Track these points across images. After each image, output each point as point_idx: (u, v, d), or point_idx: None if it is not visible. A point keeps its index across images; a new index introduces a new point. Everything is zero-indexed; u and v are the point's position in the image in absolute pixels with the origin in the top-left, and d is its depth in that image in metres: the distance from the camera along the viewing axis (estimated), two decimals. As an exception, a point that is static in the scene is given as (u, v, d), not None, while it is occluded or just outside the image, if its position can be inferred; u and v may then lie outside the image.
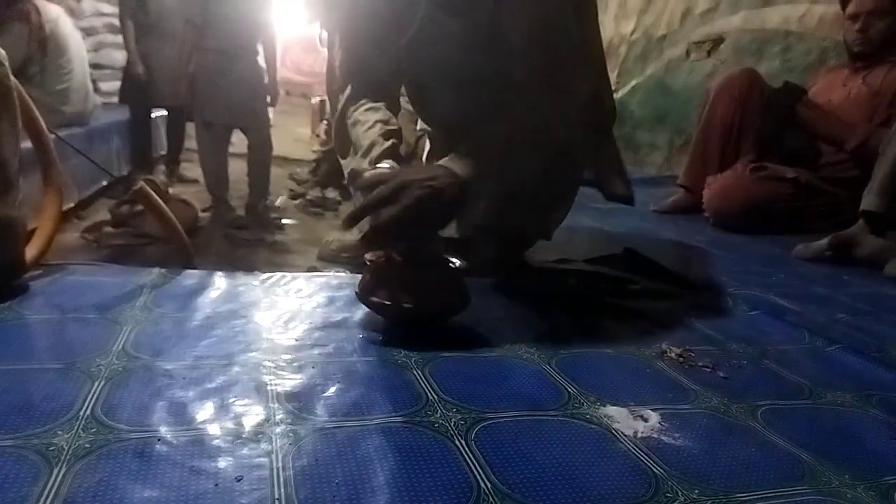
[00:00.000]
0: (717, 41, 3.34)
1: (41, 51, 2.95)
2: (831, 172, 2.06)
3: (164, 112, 4.39)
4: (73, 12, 4.40)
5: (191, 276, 1.09)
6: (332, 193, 3.96)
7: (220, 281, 1.08)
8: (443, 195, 0.89)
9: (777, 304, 1.19)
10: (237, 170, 3.62)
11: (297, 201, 3.92)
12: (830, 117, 2.08)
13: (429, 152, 1.43)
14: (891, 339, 1.04)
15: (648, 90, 3.82)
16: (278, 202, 3.88)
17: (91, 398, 0.67)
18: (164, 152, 4.61)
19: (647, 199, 2.45)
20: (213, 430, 0.64)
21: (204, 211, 3.37)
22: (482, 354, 0.88)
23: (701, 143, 2.35)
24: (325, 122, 4.82)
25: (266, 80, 3.49)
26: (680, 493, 0.59)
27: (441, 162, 0.95)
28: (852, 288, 1.40)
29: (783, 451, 0.69)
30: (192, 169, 4.55)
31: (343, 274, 1.21)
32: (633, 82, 3.94)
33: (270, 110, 3.71)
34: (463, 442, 0.65)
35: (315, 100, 6.32)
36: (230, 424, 0.65)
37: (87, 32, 4.61)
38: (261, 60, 3.46)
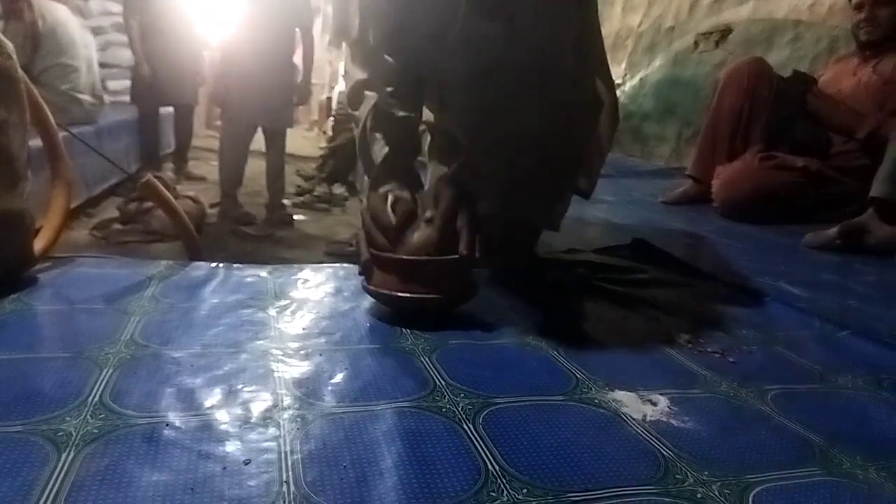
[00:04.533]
0: (726, 32, 3.31)
1: (34, 47, 2.95)
2: (841, 161, 2.04)
3: (172, 110, 4.41)
4: (80, 12, 4.42)
5: (199, 268, 1.09)
6: (338, 189, 3.97)
7: (227, 272, 1.08)
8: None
9: (787, 292, 1.18)
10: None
11: (304, 197, 3.93)
12: (840, 106, 2.06)
13: (429, 146, 1.43)
14: (902, 324, 1.04)
15: (657, 82, 3.80)
16: (286, 199, 3.89)
17: (99, 385, 0.67)
18: (171, 150, 4.63)
19: (655, 191, 2.44)
20: (221, 415, 0.64)
21: (211, 207, 3.38)
22: (490, 342, 0.88)
23: (709, 134, 2.34)
24: (331, 118, 4.83)
25: (299, 79, 3.48)
26: (689, 475, 0.59)
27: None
28: (862, 275, 1.39)
29: (794, 434, 0.68)
30: (199, 167, 4.58)
31: (350, 266, 1.20)
32: (641, 74, 3.92)
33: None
34: (471, 426, 0.64)
35: (322, 97, 6.33)
36: (238, 410, 0.65)
37: (95, 32, 4.62)
38: (297, 59, 3.45)
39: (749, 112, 2.22)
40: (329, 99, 5.41)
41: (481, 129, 1.05)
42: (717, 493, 0.56)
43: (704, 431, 0.67)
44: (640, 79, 3.90)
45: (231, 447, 0.58)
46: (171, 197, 1.23)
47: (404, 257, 0.92)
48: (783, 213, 1.98)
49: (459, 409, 0.68)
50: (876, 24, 2.05)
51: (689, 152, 2.82)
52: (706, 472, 0.59)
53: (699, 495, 0.56)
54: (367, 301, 0.98)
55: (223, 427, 0.62)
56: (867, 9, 2.05)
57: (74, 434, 0.59)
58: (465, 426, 0.64)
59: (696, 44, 3.55)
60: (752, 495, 0.56)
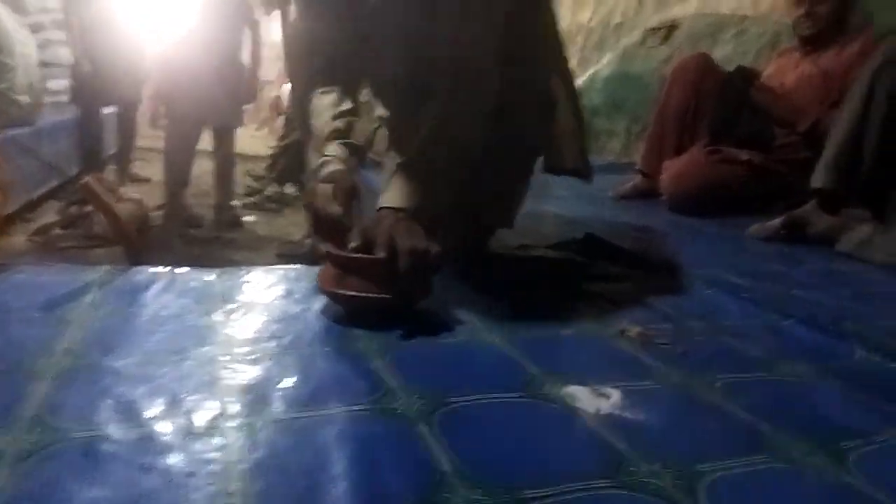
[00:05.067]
0: (672, 27, 3.38)
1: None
2: (784, 154, 2.09)
3: (114, 109, 4.27)
4: (17, 8, 4.24)
5: (141, 273, 1.05)
6: (289, 189, 3.90)
7: (171, 276, 1.04)
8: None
9: (733, 283, 1.21)
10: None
11: (254, 198, 3.86)
12: (783, 100, 2.12)
13: (388, 141, 1.42)
14: (843, 312, 1.07)
15: (606, 78, 3.85)
16: (235, 200, 3.81)
17: (34, 398, 0.64)
18: (114, 151, 4.49)
19: (607, 186, 2.47)
20: (164, 426, 0.61)
21: (157, 209, 3.28)
22: (444, 340, 0.87)
23: (657, 129, 2.38)
24: (281, 116, 4.75)
25: (246, 76, 3.41)
26: (642, 467, 0.59)
27: (383, 200, 0.96)
28: (806, 265, 1.43)
29: (743, 423, 0.69)
30: (144, 167, 4.45)
31: (302, 267, 1.18)
32: (591, 70, 3.97)
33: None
34: (426, 427, 0.63)
35: (271, 94, 6.23)
36: (181, 420, 0.62)
37: (34, 29, 4.44)
38: (243, 56, 3.38)
39: (695, 107, 2.27)
40: (278, 97, 5.32)
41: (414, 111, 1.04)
42: (670, 485, 0.57)
43: (656, 423, 0.68)
44: (590, 75, 3.95)
45: (174, 459, 0.56)
46: (109, 200, 1.18)
47: (359, 256, 0.90)
48: (730, 205, 2.02)
49: (414, 410, 0.67)
50: (815, 19, 2.11)
51: (638, 147, 2.87)
52: (659, 464, 0.60)
53: (652, 487, 0.56)
54: (319, 303, 0.96)
55: (165, 439, 0.59)
56: (806, 4, 2.11)
57: (7, 450, 0.56)
58: (419, 428, 0.63)
59: (643, 40, 3.61)
60: (704, 485, 0.57)
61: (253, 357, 0.78)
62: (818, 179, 1.64)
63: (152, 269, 1.07)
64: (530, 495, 0.54)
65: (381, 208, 0.96)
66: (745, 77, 2.18)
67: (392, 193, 0.97)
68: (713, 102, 2.22)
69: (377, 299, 0.88)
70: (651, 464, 0.60)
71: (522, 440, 0.63)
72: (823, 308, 1.08)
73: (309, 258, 1.56)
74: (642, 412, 0.70)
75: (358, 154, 1.11)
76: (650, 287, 1.16)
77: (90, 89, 3.89)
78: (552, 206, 1.96)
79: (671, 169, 2.17)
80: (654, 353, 0.86)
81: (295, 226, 3.37)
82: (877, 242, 1.47)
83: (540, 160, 1.28)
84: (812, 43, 2.16)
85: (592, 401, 0.71)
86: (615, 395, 0.73)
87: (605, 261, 1.30)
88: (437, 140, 1.00)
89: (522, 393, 0.73)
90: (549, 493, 0.54)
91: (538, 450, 0.61)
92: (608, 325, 0.95)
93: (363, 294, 0.88)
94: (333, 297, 0.92)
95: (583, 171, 1.28)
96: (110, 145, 4.49)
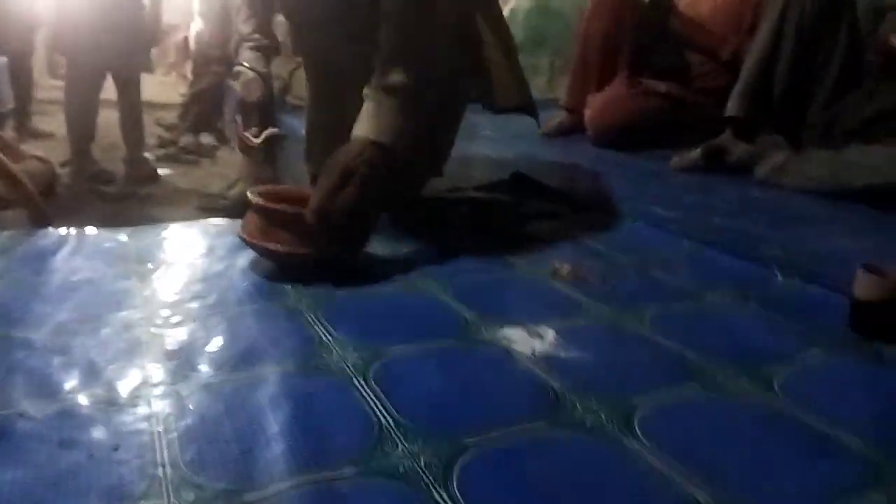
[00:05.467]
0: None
1: None
2: (701, 84, 2.13)
3: (5, 60, 3.94)
4: None
5: (47, 236, 0.99)
6: (206, 139, 3.72)
7: (81, 238, 0.98)
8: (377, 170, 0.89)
9: (657, 215, 1.23)
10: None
11: (168, 149, 3.67)
12: (701, 29, 2.14)
13: (307, 85, 1.37)
14: (762, 238, 1.11)
15: (527, 12, 3.80)
16: (147, 152, 3.61)
17: (-67, 381, 0.59)
18: (11, 106, 4.16)
19: (532, 123, 2.46)
20: (83, 399, 0.58)
21: (62, 166, 3.08)
22: (377, 290, 0.85)
23: (580, 63, 2.37)
24: (190, 61, 4.50)
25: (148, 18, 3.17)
26: (578, 405, 0.60)
27: (355, 132, 0.93)
28: (725, 194, 1.47)
29: (672, 353, 0.71)
30: (45, 122, 4.15)
31: (223, 221, 1.13)
32: (511, 5, 3.90)
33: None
34: (362, 381, 0.62)
35: (178, 37, 5.87)
36: (102, 391, 0.59)
37: None
38: None
39: (616, 39, 2.26)
40: (186, 39, 5.02)
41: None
42: (605, 420, 0.58)
43: (589, 360, 0.69)
44: (511, 10, 3.89)
45: (97, 433, 0.53)
46: (5, 160, 1.09)
47: (282, 208, 0.86)
48: (651, 137, 2.05)
49: (349, 364, 0.65)
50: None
51: (562, 83, 2.86)
52: (593, 398, 0.61)
53: (588, 424, 0.57)
54: (245, 258, 0.92)
55: (86, 412, 0.56)
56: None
57: None
58: (355, 382, 0.62)
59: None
60: (637, 418, 0.58)
61: (175, 320, 0.74)
62: (732, 108, 1.67)
63: (60, 232, 1.00)
64: (470, 442, 0.54)
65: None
66: (662, 6, 2.18)
67: (362, 123, 0.93)
68: (632, 34, 2.22)
69: (301, 255, 0.85)
70: (586, 401, 0.61)
71: (460, 387, 0.63)
72: (743, 235, 1.12)
73: (233, 210, 1.50)
74: (576, 350, 0.71)
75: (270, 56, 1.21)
76: (578, 224, 1.17)
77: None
78: (480, 146, 1.94)
79: (593, 104, 2.17)
80: (585, 290, 0.87)
81: (215, 177, 3.24)
82: (790, 168, 1.53)
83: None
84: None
85: (528, 342, 0.72)
86: (549, 334, 0.74)
87: (533, 199, 1.30)
88: (398, 63, 0.96)
89: (458, 339, 0.72)
90: (488, 437, 0.55)
91: (476, 395, 0.61)
92: (540, 265, 0.96)
93: (287, 250, 0.85)
94: (258, 250, 0.88)
95: (528, 109, 1.27)
96: (6, 99, 4.15)
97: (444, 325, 0.75)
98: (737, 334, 0.76)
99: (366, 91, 0.96)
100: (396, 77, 0.95)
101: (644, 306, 0.83)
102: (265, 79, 1.17)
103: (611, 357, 0.70)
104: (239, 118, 1.16)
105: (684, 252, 1.05)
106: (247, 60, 1.19)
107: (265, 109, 1.16)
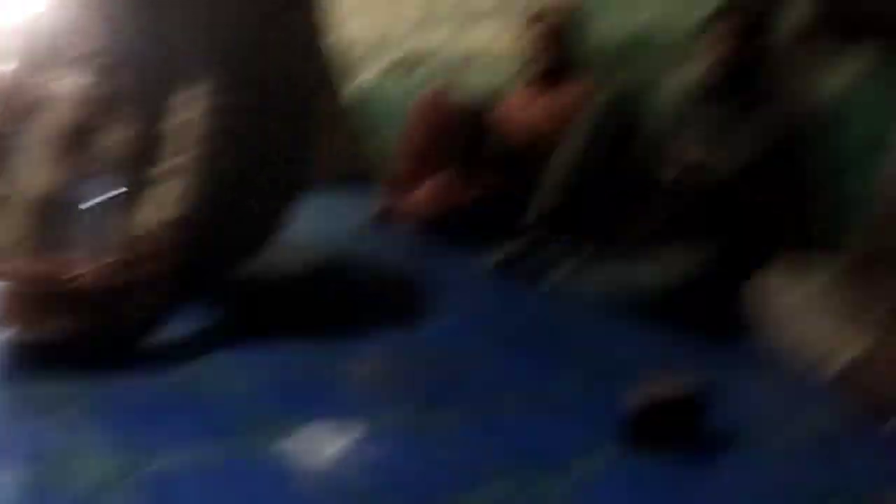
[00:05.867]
0: (416, 62, 3.51)
1: None
2: (518, 181, 2.27)
3: None
4: None
5: None
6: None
7: None
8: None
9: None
10: None
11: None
12: (516, 133, 2.31)
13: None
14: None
15: (359, 100, 3.87)
16: None
17: None
18: None
19: (360, 206, 2.48)
20: None
21: None
22: (160, 381, 0.78)
23: (402, 164, 2.47)
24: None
25: None
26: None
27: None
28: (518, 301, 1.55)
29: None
30: None
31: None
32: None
33: None
34: (117, 496, 0.55)
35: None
36: None
37: None
38: None
39: (435, 143, 2.39)
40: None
41: None
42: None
43: (393, 459, 0.67)
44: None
45: None
46: None
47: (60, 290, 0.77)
48: (473, 231, 2.13)
49: (99, 475, 0.57)
50: (544, 58, 2.34)
51: (387, 173, 2.92)
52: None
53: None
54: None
55: None
56: (539, 41, 2.34)
57: None
58: (103, 498, 0.55)
59: (390, 70, 3.70)
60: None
61: None
62: (531, 215, 1.81)
63: None
64: None
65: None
66: (479, 113, 2.35)
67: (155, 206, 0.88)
68: (451, 139, 2.36)
69: (75, 338, 0.76)
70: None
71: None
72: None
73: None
74: (378, 448, 0.69)
75: None
76: (385, 318, 1.17)
77: None
78: (305, 226, 1.91)
79: (414, 198, 2.26)
80: (388, 388, 0.87)
81: None
82: (586, 275, 1.65)
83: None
84: (547, 76, 2.38)
85: (320, 447, 0.69)
86: (350, 433, 0.72)
87: (344, 295, 1.31)
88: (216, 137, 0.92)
89: (244, 443, 0.68)
90: None
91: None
92: (343, 362, 0.94)
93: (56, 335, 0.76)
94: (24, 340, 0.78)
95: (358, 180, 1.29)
96: None
97: (229, 427, 0.70)
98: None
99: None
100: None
101: (445, 405, 0.83)
102: None
103: (413, 458, 0.69)
104: None
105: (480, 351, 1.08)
106: None
107: None
